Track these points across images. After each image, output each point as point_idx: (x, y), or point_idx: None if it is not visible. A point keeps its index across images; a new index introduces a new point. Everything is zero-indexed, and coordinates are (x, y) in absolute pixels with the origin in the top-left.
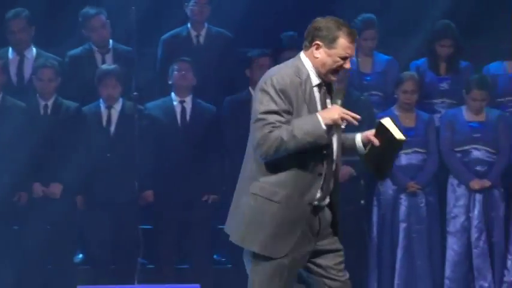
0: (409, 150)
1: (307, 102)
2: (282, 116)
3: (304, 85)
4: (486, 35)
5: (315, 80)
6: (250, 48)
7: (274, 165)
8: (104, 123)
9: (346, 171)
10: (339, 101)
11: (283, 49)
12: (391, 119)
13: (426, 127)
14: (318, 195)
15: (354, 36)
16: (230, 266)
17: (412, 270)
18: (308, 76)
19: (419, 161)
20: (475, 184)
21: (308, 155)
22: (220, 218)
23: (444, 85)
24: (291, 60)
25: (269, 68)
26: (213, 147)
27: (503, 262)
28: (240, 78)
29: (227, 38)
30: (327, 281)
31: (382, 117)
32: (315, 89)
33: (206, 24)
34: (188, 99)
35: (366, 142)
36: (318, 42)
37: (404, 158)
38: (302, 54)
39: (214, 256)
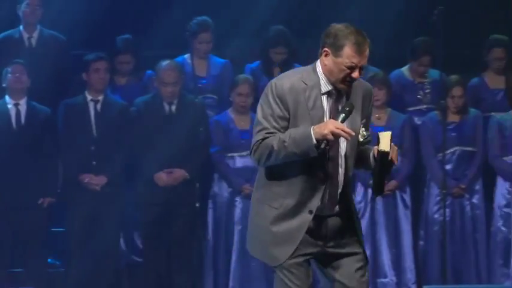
0: (244, 153)
1: (310, 109)
2: (277, 123)
3: (309, 91)
4: (319, 38)
5: (325, 87)
6: (84, 51)
7: (277, 172)
8: None
9: (179, 174)
10: (341, 116)
11: (118, 52)
12: (391, 134)
13: None
14: (319, 204)
15: (360, 46)
16: (64, 269)
17: (247, 272)
18: (317, 83)
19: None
20: None
21: (312, 164)
22: (55, 220)
23: None
24: (310, 65)
25: (106, 71)
26: (48, 150)
27: None
28: (76, 81)
29: (60, 41)
30: (339, 285)
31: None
32: (324, 97)
33: (39, 27)
34: (22, 102)
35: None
36: (326, 49)
37: (240, 161)
38: (318, 60)
39: (49, 260)
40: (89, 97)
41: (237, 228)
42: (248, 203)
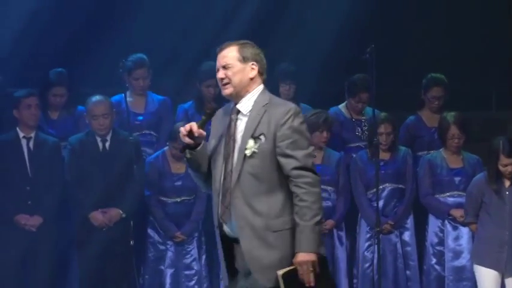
0: (178, 199)
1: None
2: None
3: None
4: None
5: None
6: (15, 88)
7: None
8: None
9: (114, 213)
10: (202, 119)
11: (52, 85)
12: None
13: None
14: (217, 216)
15: (218, 51)
16: None
17: None
18: None
19: (188, 207)
20: None
21: (214, 177)
22: None
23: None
24: None
25: (37, 108)
26: None
27: None
28: (7, 119)
29: None
30: None
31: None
32: None
33: None
34: None
35: None
36: None
37: (172, 207)
38: None
39: None
40: (21, 134)
41: (169, 271)
42: (179, 249)
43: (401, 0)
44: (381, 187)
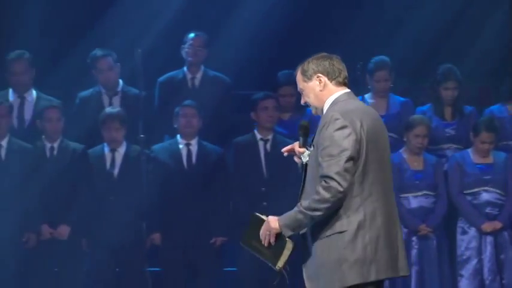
0: (419, 193)
1: None
2: None
3: None
4: (486, 77)
5: None
6: (250, 91)
7: None
8: (108, 166)
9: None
10: (300, 138)
11: (280, 85)
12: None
13: (435, 170)
14: None
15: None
16: None
17: None
18: None
19: (430, 203)
20: (487, 226)
21: None
22: (228, 260)
23: (450, 130)
24: None
25: (274, 109)
26: (220, 189)
27: None
28: (242, 121)
29: (223, 82)
30: None
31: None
32: None
33: (203, 67)
34: (194, 142)
35: None
36: None
37: (414, 201)
38: None
39: None
40: (258, 136)
41: (414, 268)
42: (424, 244)
43: None
44: None
